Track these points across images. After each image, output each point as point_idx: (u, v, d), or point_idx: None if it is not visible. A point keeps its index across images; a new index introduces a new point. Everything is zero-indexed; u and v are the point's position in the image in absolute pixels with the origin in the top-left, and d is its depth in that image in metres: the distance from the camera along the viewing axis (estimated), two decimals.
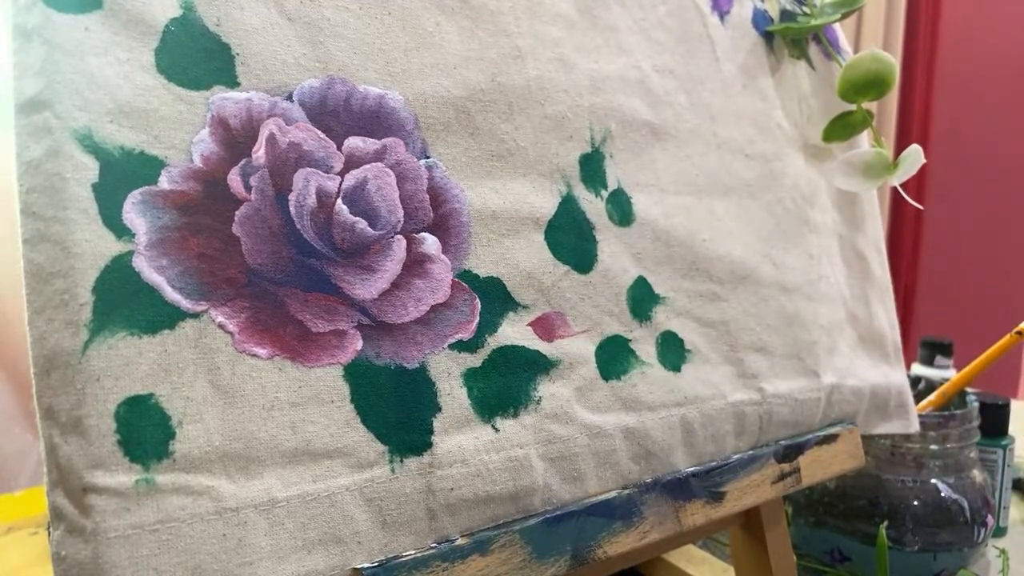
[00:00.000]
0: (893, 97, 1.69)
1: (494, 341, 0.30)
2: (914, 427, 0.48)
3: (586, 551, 0.31)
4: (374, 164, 0.28)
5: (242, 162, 0.25)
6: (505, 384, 0.30)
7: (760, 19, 0.44)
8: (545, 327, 0.32)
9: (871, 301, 0.47)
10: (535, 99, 0.33)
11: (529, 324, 0.31)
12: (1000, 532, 0.59)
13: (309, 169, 0.27)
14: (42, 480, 0.23)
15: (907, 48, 1.76)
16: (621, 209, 0.35)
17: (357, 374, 0.27)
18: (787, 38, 0.45)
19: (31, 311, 0.22)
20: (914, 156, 0.44)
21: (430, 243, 0.29)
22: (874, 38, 1.66)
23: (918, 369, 0.72)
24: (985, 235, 1.83)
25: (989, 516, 0.51)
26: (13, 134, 0.23)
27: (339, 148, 0.27)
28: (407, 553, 0.27)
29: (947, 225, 1.84)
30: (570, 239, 0.33)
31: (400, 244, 0.28)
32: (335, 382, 0.26)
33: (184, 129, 0.24)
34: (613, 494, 0.33)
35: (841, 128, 0.46)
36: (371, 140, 0.28)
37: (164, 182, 0.24)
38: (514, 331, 0.31)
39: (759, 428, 0.39)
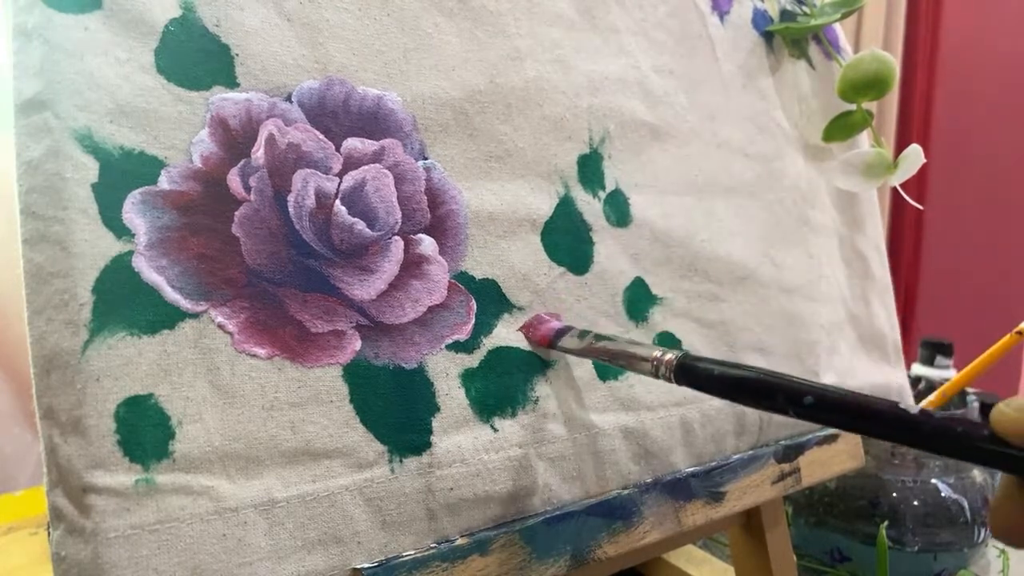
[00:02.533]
0: (893, 97, 1.68)
1: (489, 342, 0.30)
2: None
3: (586, 551, 0.31)
4: (372, 165, 0.28)
5: (241, 162, 0.25)
6: (502, 384, 0.30)
7: (760, 19, 0.44)
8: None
9: (871, 301, 0.47)
10: (534, 100, 0.33)
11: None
12: None
13: (308, 170, 0.27)
14: (42, 480, 0.23)
15: (907, 48, 1.76)
16: (618, 210, 0.35)
17: (356, 374, 0.27)
18: (787, 38, 0.45)
19: (31, 311, 0.22)
20: (914, 156, 0.44)
21: (427, 244, 0.29)
22: (874, 38, 1.66)
23: (918, 369, 0.72)
24: (985, 235, 1.83)
25: None
26: (13, 134, 0.23)
27: (338, 149, 0.27)
28: (407, 553, 0.27)
29: (947, 225, 1.83)
30: (566, 240, 0.33)
31: (398, 245, 0.28)
32: (334, 382, 0.26)
33: (184, 129, 0.24)
34: (613, 494, 0.33)
35: (841, 128, 0.46)
36: (369, 141, 0.28)
37: (164, 182, 0.24)
38: (509, 332, 0.31)
39: (759, 428, 0.39)
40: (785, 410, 0.22)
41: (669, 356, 0.26)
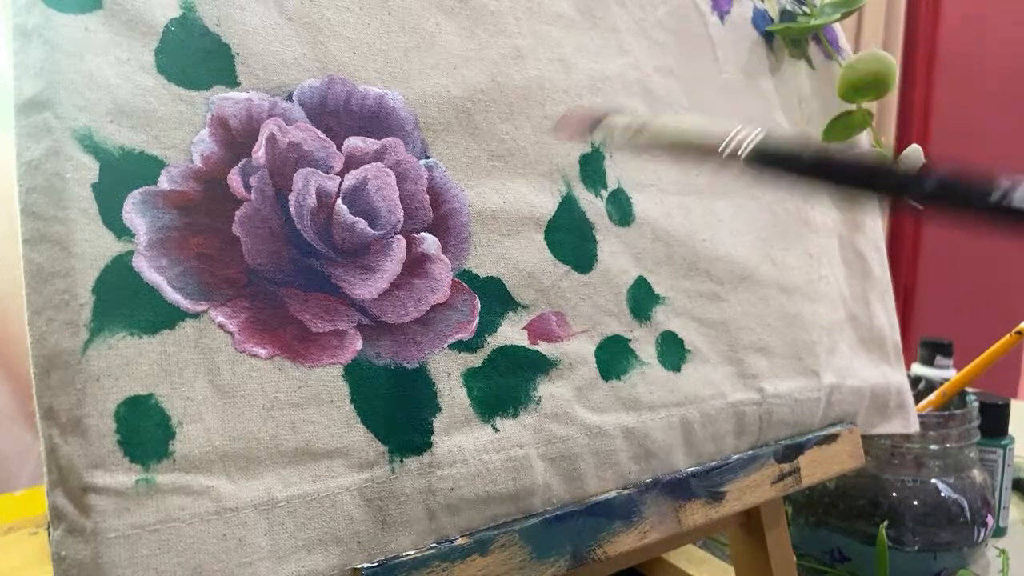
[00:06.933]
0: (893, 97, 1.69)
1: (494, 341, 0.30)
2: (914, 427, 0.48)
3: (586, 551, 0.31)
4: (374, 164, 0.28)
5: (242, 162, 0.25)
6: (505, 384, 0.30)
7: (760, 19, 0.44)
8: (545, 327, 0.32)
9: (871, 301, 0.47)
10: (535, 99, 0.33)
11: (529, 324, 0.31)
12: (1000, 532, 0.59)
13: (309, 169, 0.27)
14: (42, 480, 0.23)
15: (907, 48, 1.76)
16: (621, 209, 0.35)
17: (357, 374, 0.27)
18: (787, 38, 0.45)
19: (31, 311, 0.22)
20: (914, 156, 0.44)
21: (430, 243, 0.29)
22: (874, 38, 1.66)
23: (918, 369, 0.72)
24: (985, 235, 1.82)
25: (989, 516, 0.51)
26: (13, 134, 0.23)
27: (339, 148, 0.27)
28: (407, 553, 0.27)
29: (947, 225, 1.83)
30: (570, 239, 0.33)
31: (400, 244, 0.28)
32: (335, 382, 0.26)
33: (184, 129, 0.24)
34: (613, 494, 0.33)
35: (841, 128, 0.46)
36: (371, 140, 0.28)
37: (164, 182, 0.24)
38: (513, 331, 0.31)
39: (759, 428, 0.39)
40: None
41: (743, 136, 0.24)
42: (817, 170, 0.23)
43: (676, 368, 0.36)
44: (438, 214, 0.29)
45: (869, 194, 0.23)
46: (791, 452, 0.40)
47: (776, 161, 0.24)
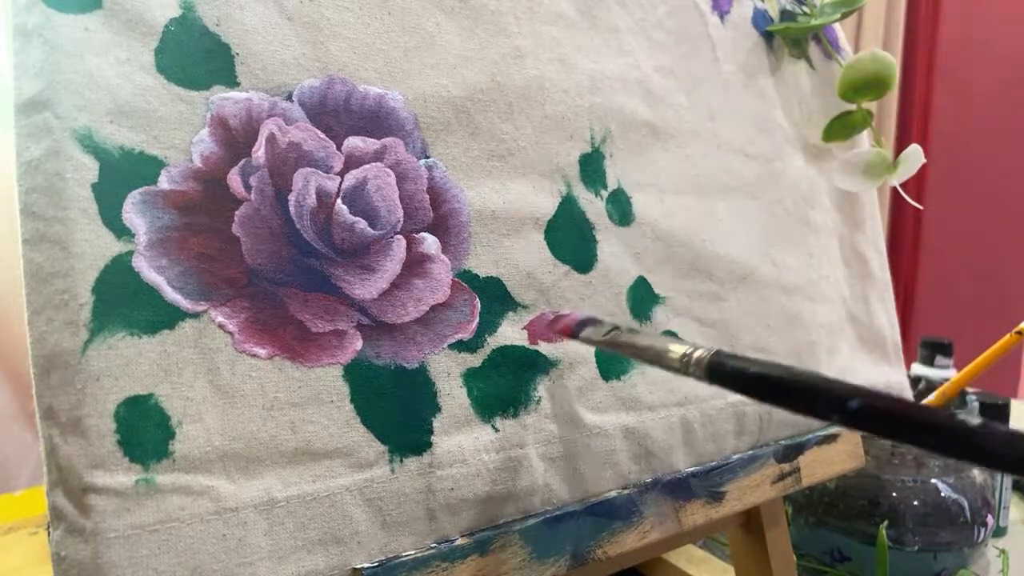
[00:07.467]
0: (893, 97, 1.69)
1: (494, 341, 0.30)
2: None
3: (586, 551, 0.31)
4: (374, 164, 0.28)
5: (242, 162, 0.25)
6: (505, 384, 0.30)
7: (760, 19, 0.44)
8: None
9: (871, 301, 0.47)
10: (535, 99, 0.33)
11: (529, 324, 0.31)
12: (1000, 532, 0.59)
13: (309, 169, 0.27)
14: (42, 480, 0.23)
15: (907, 48, 1.76)
16: (621, 209, 0.35)
17: (357, 374, 0.27)
18: (787, 38, 0.45)
19: (31, 311, 0.22)
20: (914, 156, 0.44)
21: (430, 243, 0.29)
22: (874, 38, 1.66)
23: (918, 369, 0.72)
24: (985, 235, 1.83)
25: (989, 516, 0.51)
26: (13, 134, 0.23)
27: (339, 148, 0.27)
28: (407, 553, 0.27)
29: (947, 225, 1.84)
30: (570, 239, 0.33)
31: (400, 244, 0.28)
32: (335, 382, 0.26)
33: (184, 129, 0.24)
34: (613, 494, 0.33)
35: (841, 128, 0.46)
36: (371, 140, 0.28)
37: (164, 182, 0.24)
38: (514, 331, 0.31)
39: (759, 428, 0.39)
40: (827, 416, 0.21)
41: (700, 353, 0.25)
42: (765, 387, 0.22)
43: None
44: (438, 214, 0.29)
45: (808, 414, 0.22)
46: (791, 452, 0.40)
47: (728, 378, 0.24)
